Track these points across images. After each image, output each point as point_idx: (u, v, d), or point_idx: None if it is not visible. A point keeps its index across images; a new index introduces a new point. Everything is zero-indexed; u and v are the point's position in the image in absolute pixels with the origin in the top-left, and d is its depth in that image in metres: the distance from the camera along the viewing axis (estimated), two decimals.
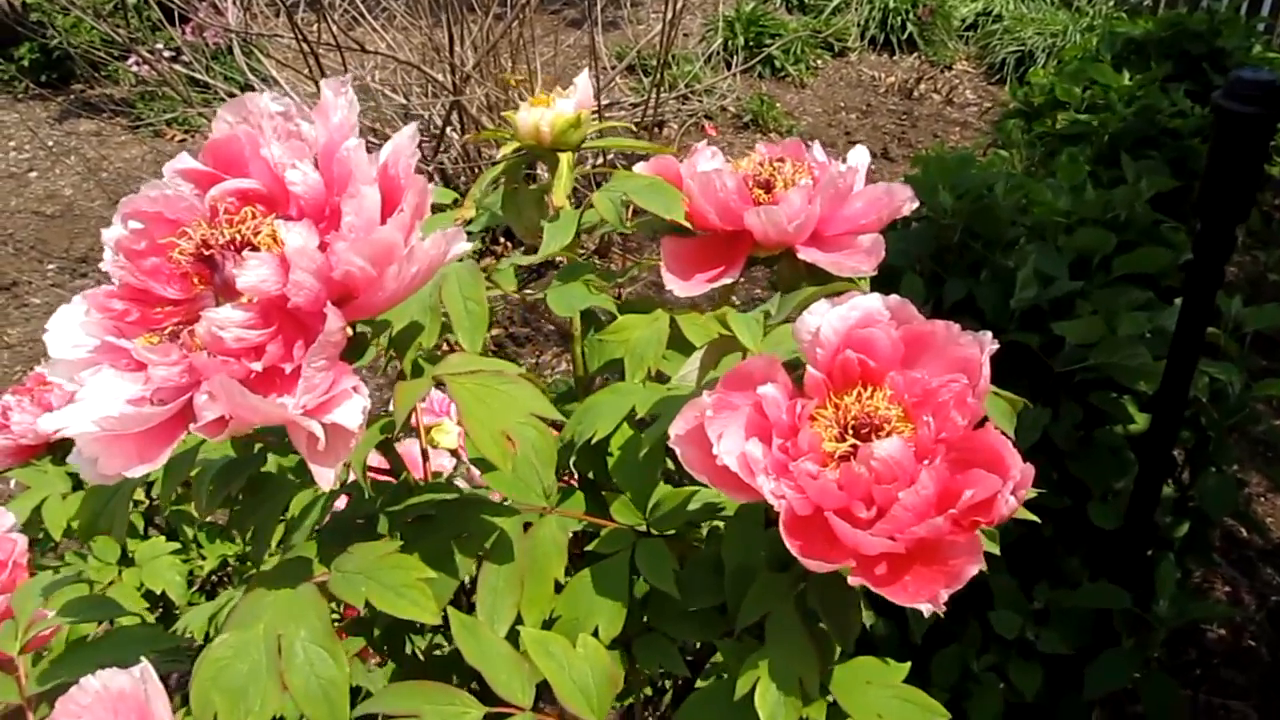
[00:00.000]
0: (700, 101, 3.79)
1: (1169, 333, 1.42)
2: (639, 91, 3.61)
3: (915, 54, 4.73)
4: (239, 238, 0.59)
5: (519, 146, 0.84)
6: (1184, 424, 1.45)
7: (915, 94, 4.37)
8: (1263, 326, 1.51)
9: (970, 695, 1.43)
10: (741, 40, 4.37)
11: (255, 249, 0.58)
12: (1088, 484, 1.45)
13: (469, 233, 0.85)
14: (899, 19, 4.73)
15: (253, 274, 0.55)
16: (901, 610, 1.43)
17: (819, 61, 4.64)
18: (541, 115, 0.82)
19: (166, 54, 3.85)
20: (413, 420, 0.95)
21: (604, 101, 2.73)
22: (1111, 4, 4.36)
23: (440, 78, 2.83)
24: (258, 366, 0.56)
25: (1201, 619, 1.72)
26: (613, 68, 3.37)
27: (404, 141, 0.61)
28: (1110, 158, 1.92)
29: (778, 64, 4.46)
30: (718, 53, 4.20)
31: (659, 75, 2.70)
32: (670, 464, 0.86)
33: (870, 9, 4.73)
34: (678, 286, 0.85)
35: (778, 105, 4.12)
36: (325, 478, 0.57)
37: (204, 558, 1.60)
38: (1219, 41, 2.13)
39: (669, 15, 2.57)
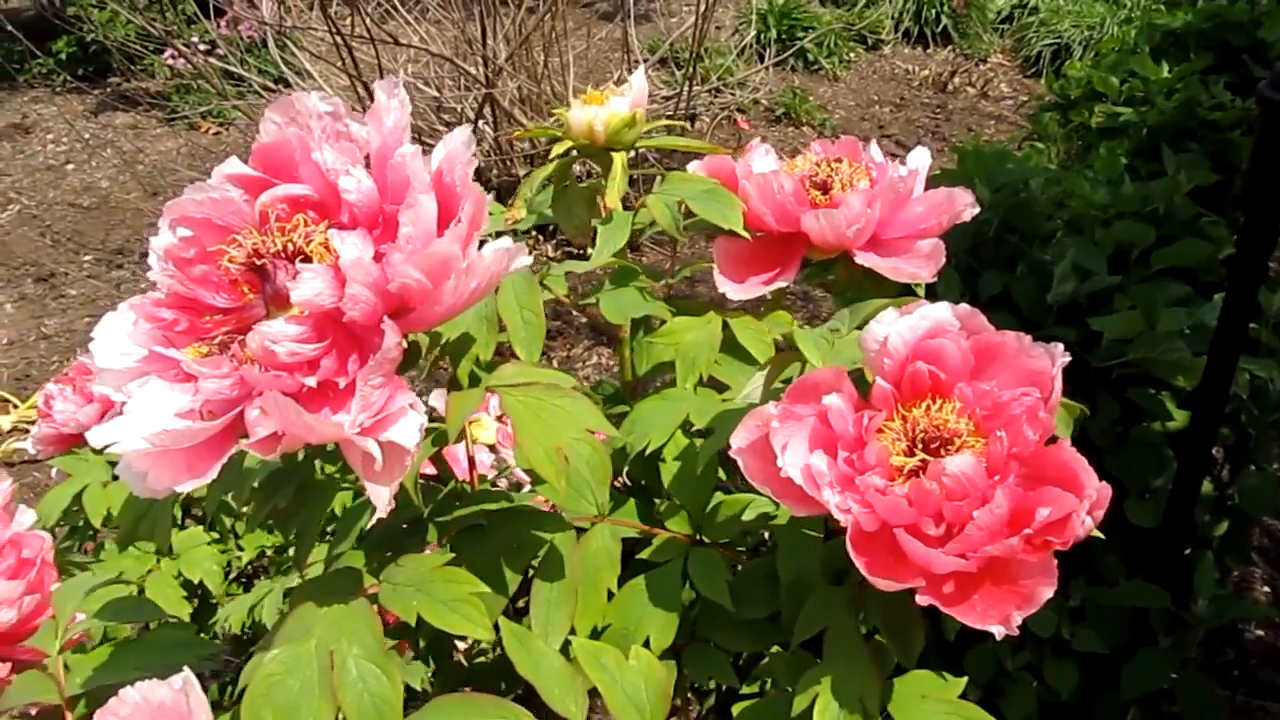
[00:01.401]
0: (732, 94, 3.74)
1: (1208, 328, 1.38)
2: (671, 84, 3.56)
3: (949, 47, 4.66)
4: (291, 246, 0.55)
5: (571, 145, 0.81)
6: (1224, 421, 1.41)
7: (949, 87, 4.30)
8: None
9: (1004, 693, 1.39)
10: (774, 33, 4.32)
11: (307, 258, 0.55)
12: (1125, 481, 1.41)
13: (515, 232, 0.82)
14: (933, 11, 4.65)
15: (307, 287, 0.52)
16: (934, 608, 1.40)
17: (852, 54, 4.57)
18: (595, 114, 0.79)
19: (202, 47, 3.83)
20: (465, 432, 0.92)
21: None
22: None
23: (473, 70, 2.80)
24: (311, 381, 0.53)
25: (1240, 619, 1.68)
26: (645, 60, 3.33)
27: (458, 147, 0.58)
28: (1149, 151, 1.87)
29: (810, 57, 4.40)
30: (750, 45, 4.15)
31: (691, 68, 2.66)
32: (722, 473, 0.83)
33: (904, 1, 4.66)
34: (731, 289, 0.82)
35: (810, 99, 4.07)
36: (381, 497, 0.54)
37: (241, 549, 1.58)
38: (1260, 33, 2.07)
39: (702, 8, 2.53)
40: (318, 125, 0.60)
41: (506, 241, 0.55)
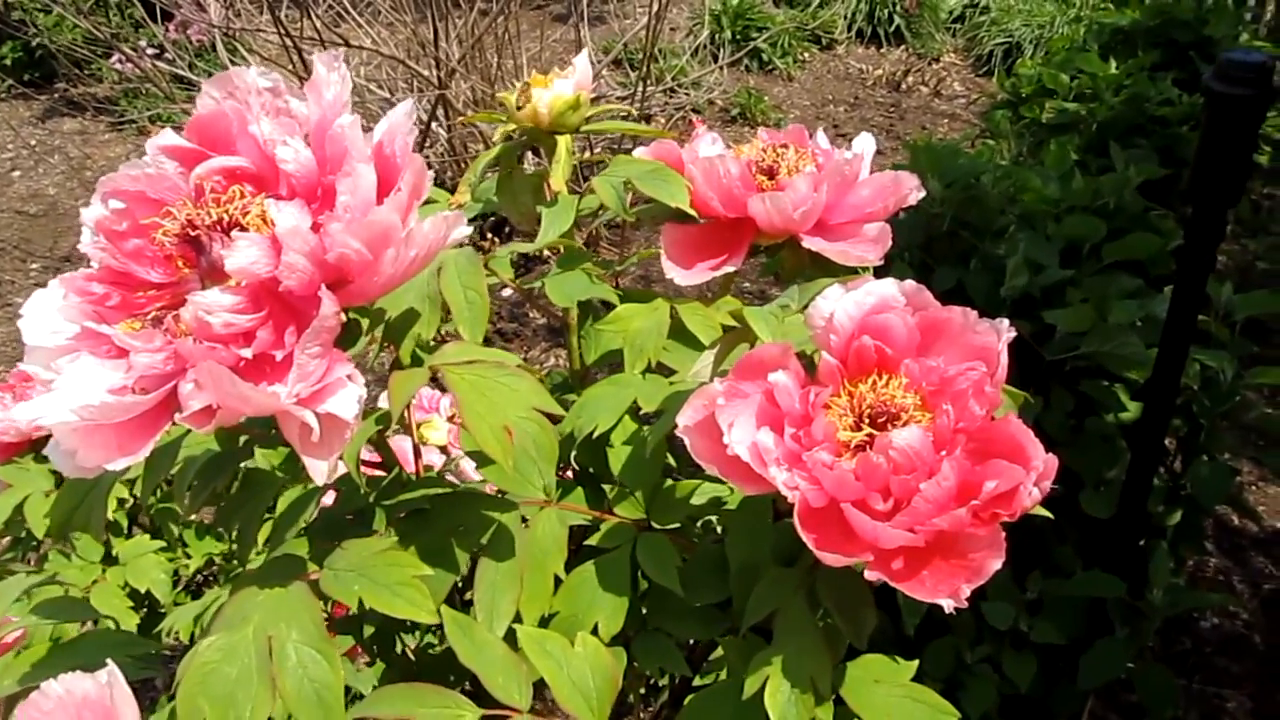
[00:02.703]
0: (687, 95, 3.75)
1: (1160, 320, 1.40)
2: (626, 85, 3.56)
3: (902, 46, 4.69)
4: (226, 218, 0.55)
5: (515, 129, 0.80)
6: (1176, 412, 1.42)
7: (903, 86, 4.33)
8: (1253, 313, 1.48)
9: (964, 686, 1.40)
10: (728, 33, 4.32)
11: (244, 230, 0.54)
12: (1080, 473, 1.42)
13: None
14: (886, 11, 4.68)
15: (242, 255, 0.51)
16: (892, 601, 1.40)
17: (806, 54, 4.59)
18: (539, 96, 0.78)
19: (150, 51, 3.79)
20: (409, 419, 0.91)
21: (590, 96, 2.70)
22: None
23: (425, 73, 2.78)
24: (247, 353, 0.52)
25: (1195, 608, 1.70)
26: (599, 62, 3.33)
27: (399, 118, 0.57)
28: (1098, 146, 1.90)
29: (765, 57, 4.41)
30: (704, 46, 4.15)
31: (645, 69, 2.66)
32: (671, 459, 0.83)
33: (857, 1, 4.68)
34: (679, 275, 0.82)
35: (765, 99, 4.08)
36: (319, 471, 0.53)
37: (189, 556, 1.56)
38: (1206, 30, 2.11)
39: (655, 8, 2.54)
40: (256, 100, 0.59)
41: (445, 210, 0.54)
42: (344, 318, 0.56)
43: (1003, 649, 1.40)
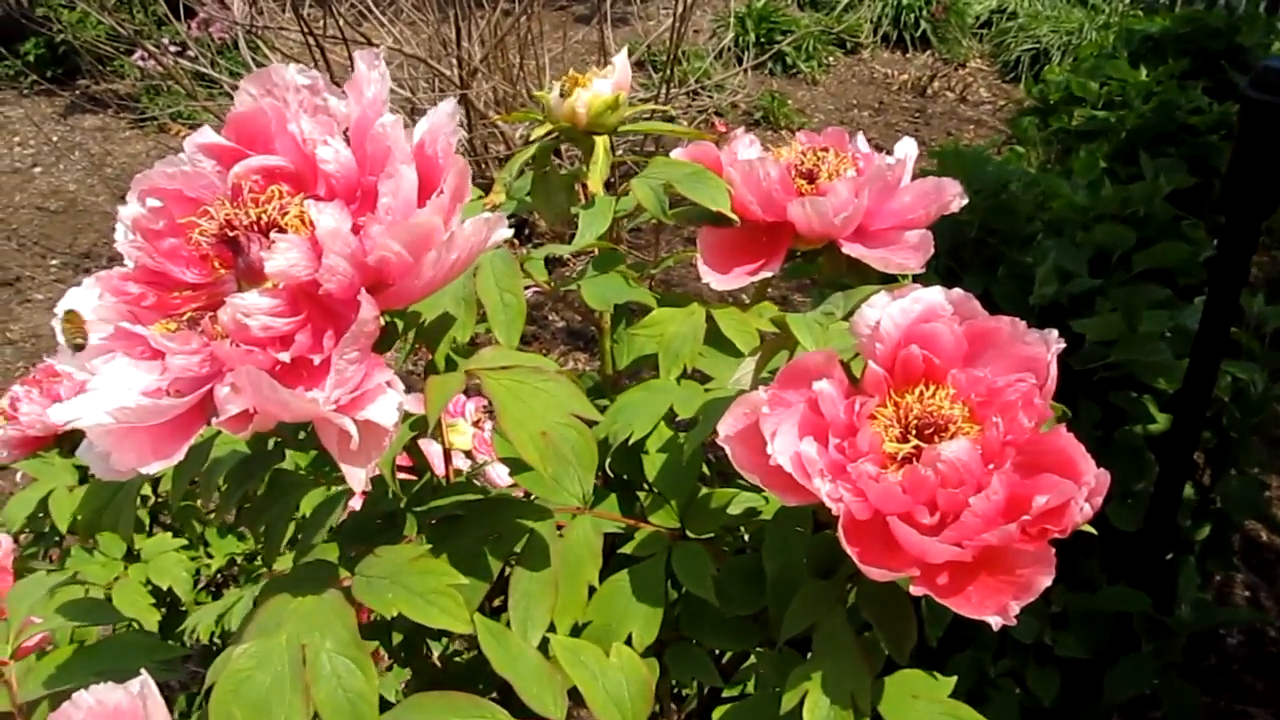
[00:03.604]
0: (710, 98, 3.73)
1: (1189, 331, 1.38)
2: (648, 87, 3.55)
3: (929, 51, 4.66)
4: (265, 218, 0.54)
5: (551, 129, 0.79)
6: (1206, 424, 1.41)
7: (928, 92, 4.31)
8: None
9: (987, 700, 1.38)
10: (752, 36, 4.30)
11: (282, 231, 0.53)
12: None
13: None
14: (912, 16, 4.65)
15: (282, 258, 0.50)
16: (916, 613, 1.39)
17: (831, 58, 4.57)
18: (578, 96, 0.77)
19: (172, 49, 3.79)
20: (442, 427, 0.90)
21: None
22: (1128, 1, 4.30)
23: (447, 72, 2.78)
24: (285, 357, 0.51)
25: (1222, 623, 1.68)
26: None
27: (442, 118, 0.56)
28: (1127, 154, 1.88)
29: (789, 61, 4.39)
30: (728, 49, 4.14)
31: (669, 71, 2.65)
32: (705, 468, 0.81)
33: (883, 6, 4.66)
34: (715, 280, 0.80)
35: (789, 102, 4.06)
36: (357, 478, 0.52)
37: (211, 555, 1.55)
38: (1238, 38, 2.09)
39: (679, 10, 2.52)
40: (295, 98, 0.58)
41: (478, 213, 0.53)
42: (382, 321, 0.54)
43: (1026, 663, 1.38)
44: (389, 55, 3.11)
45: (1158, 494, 1.38)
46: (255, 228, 0.54)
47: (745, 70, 3.85)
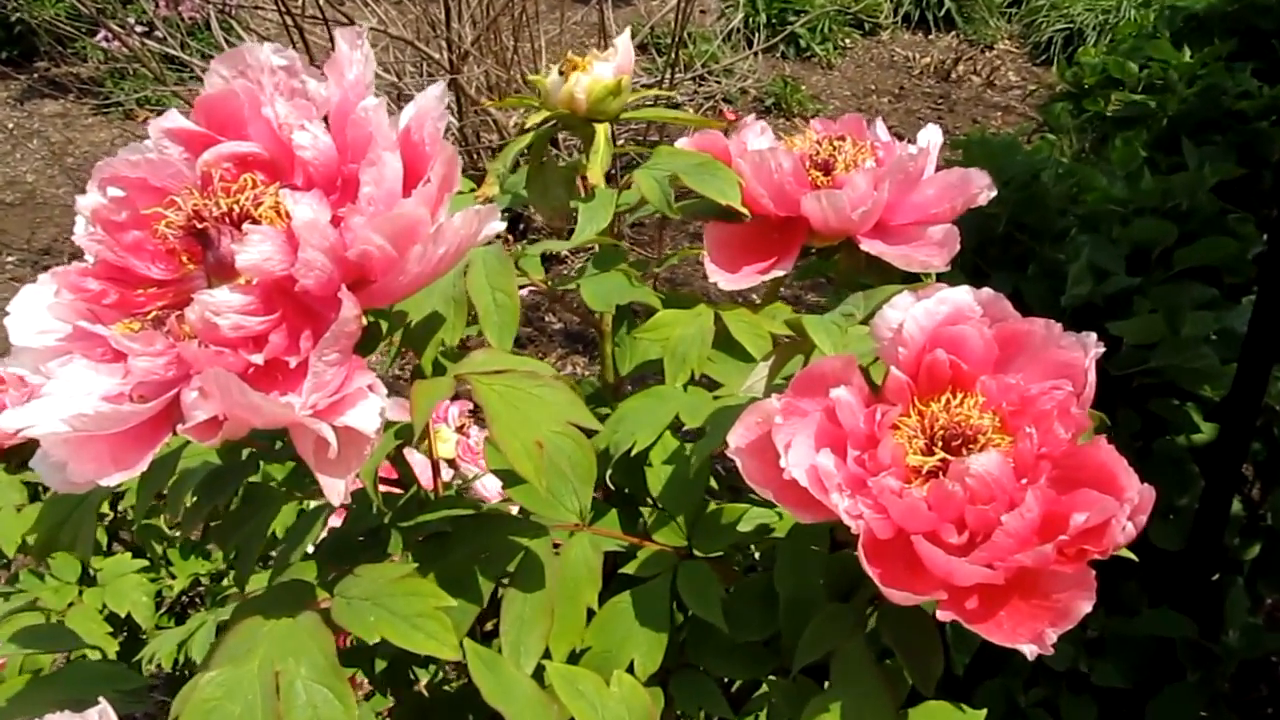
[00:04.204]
0: (718, 83, 3.74)
1: (1237, 334, 1.38)
2: (652, 72, 3.56)
3: (953, 33, 4.66)
4: (237, 209, 0.53)
5: (548, 116, 0.79)
6: (1255, 434, 1.40)
7: (953, 76, 4.31)
8: None
9: None
10: (763, 17, 4.30)
11: (256, 222, 0.53)
12: None
13: None
14: None
15: (255, 251, 0.50)
16: (942, 638, 1.39)
17: (848, 40, 4.57)
18: (577, 80, 0.77)
19: (139, 29, 3.79)
20: (428, 436, 0.90)
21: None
22: None
23: (436, 55, 2.78)
24: (258, 359, 0.51)
25: (1275, 651, 1.67)
26: None
27: (430, 102, 0.56)
28: (1169, 142, 1.88)
29: (803, 43, 4.40)
30: (737, 30, 4.14)
31: (674, 54, 2.65)
32: (713, 482, 0.81)
33: None
34: (723, 279, 0.80)
35: (802, 88, 4.07)
36: (336, 490, 0.52)
37: (174, 576, 1.55)
38: None
39: None
40: (270, 80, 0.58)
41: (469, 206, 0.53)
42: (365, 321, 0.54)
43: (1060, 692, 1.38)
44: (373, 37, 3.11)
45: (1203, 510, 1.37)
46: (226, 219, 0.53)
47: (755, 53, 3.86)
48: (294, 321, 0.52)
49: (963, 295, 0.61)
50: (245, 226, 0.52)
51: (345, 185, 0.55)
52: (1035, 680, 1.39)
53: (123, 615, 1.41)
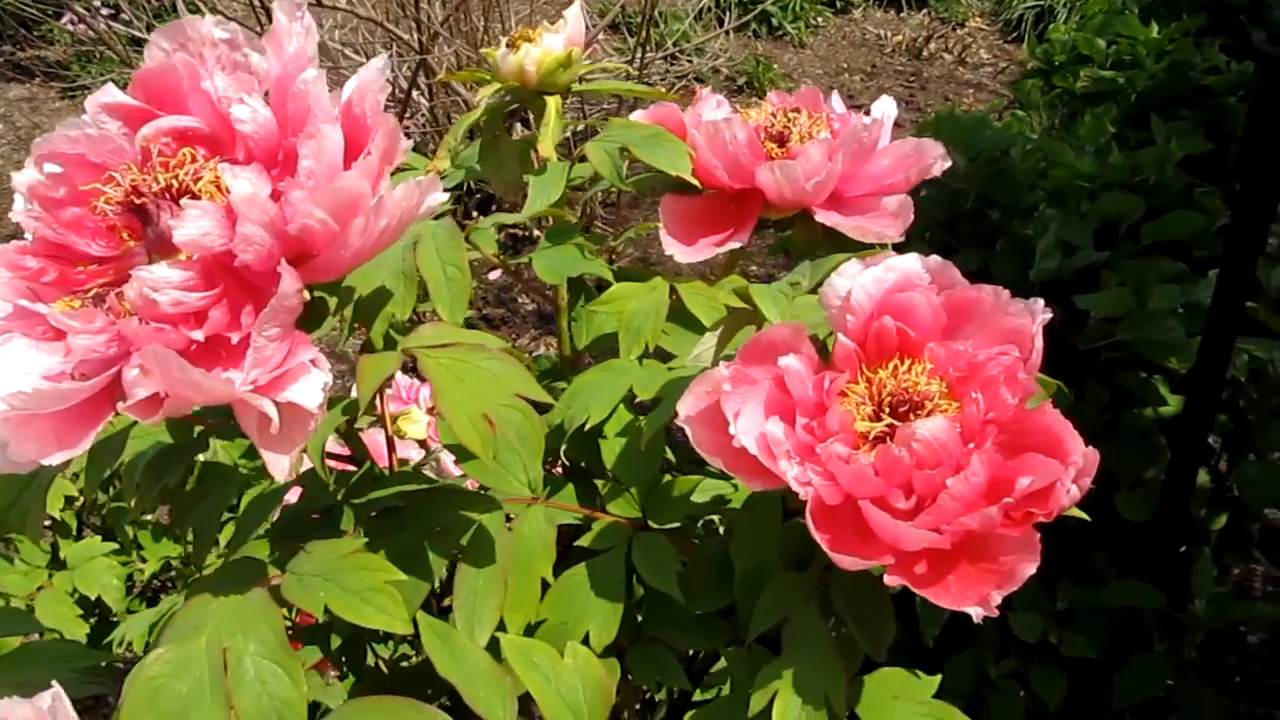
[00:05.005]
0: (690, 62, 3.73)
1: (1203, 307, 1.38)
2: (623, 52, 3.55)
3: (924, 10, 4.66)
4: (176, 184, 0.53)
5: (500, 88, 0.79)
6: (1221, 406, 1.41)
7: (924, 54, 4.31)
8: None
9: (988, 704, 1.39)
10: None
11: (195, 198, 0.53)
12: (1115, 473, 1.41)
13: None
14: None
15: (193, 226, 0.50)
16: (910, 610, 1.40)
17: (819, 19, 4.57)
18: (527, 53, 0.77)
19: (105, 11, 3.75)
20: (377, 407, 0.90)
21: (602, 69, 2.68)
22: None
23: (406, 36, 2.77)
24: (199, 335, 0.51)
25: (1241, 620, 1.68)
26: (594, 25, 3.31)
27: (371, 75, 0.56)
28: (1138, 118, 1.89)
29: (774, 22, 4.39)
30: (709, 9, 4.13)
31: (645, 33, 2.64)
32: (670, 454, 0.81)
33: None
34: (679, 251, 0.80)
35: (774, 67, 4.06)
36: (280, 466, 0.52)
37: (144, 560, 1.55)
38: None
39: None
40: (211, 54, 0.58)
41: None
42: (308, 296, 0.54)
43: (1030, 664, 1.39)
44: (342, 18, 3.10)
45: (1170, 481, 1.38)
46: (166, 195, 0.53)
47: (727, 32, 3.85)
48: (235, 297, 0.52)
49: (910, 263, 0.61)
50: (184, 201, 0.51)
51: (287, 159, 0.55)
52: (1005, 652, 1.40)
53: (93, 599, 1.41)
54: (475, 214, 2.85)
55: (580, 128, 1.12)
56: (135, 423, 0.70)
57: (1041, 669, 1.38)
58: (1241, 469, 1.45)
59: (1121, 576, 1.42)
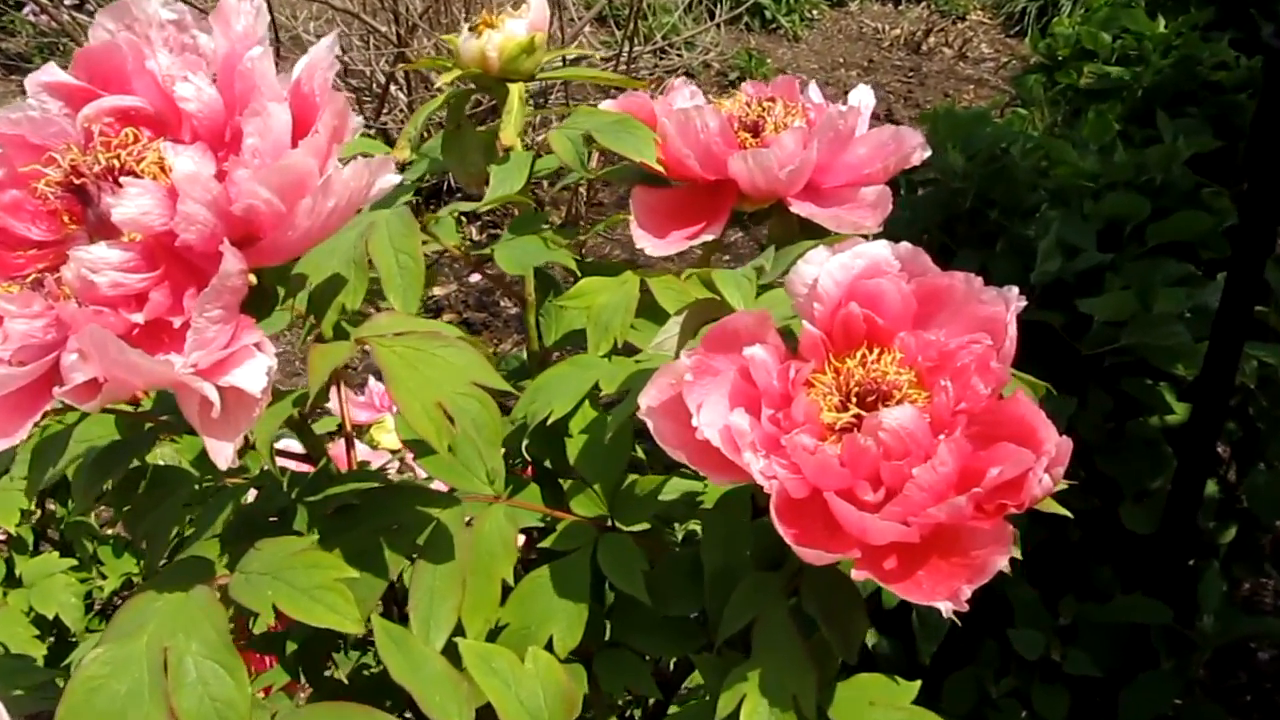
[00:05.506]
0: (679, 56, 3.75)
1: (1211, 310, 1.40)
2: (610, 45, 3.57)
3: (924, 3, 4.70)
4: (118, 165, 0.54)
5: (459, 76, 0.80)
6: (1229, 414, 1.42)
7: (924, 48, 4.34)
8: None
9: None
10: None
11: (138, 177, 0.54)
12: (1119, 483, 1.42)
13: (404, 184, 0.81)
14: None
15: (132, 204, 0.51)
16: (907, 628, 1.41)
17: (815, 11, 4.60)
18: (488, 38, 0.78)
19: (68, 2, 3.78)
20: (340, 410, 0.91)
21: (570, 57, 2.69)
22: None
23: (383, 28, 2.79)
24: (139, 319, 0.52)
25: (1251, 636, 1.69)
26: (579, 18, 3.33)
27: (320, 53, 0.57)
28: (1144, 115, 1.90)
29: (768, 14, 4.41)
30: (699, 1, 4.15)
31: (632, 25, 2.66)
32: (640, 451, 0.83)
33: None
34: (650, 245, 0.82)
35: (768, 61, 4.09)
36: (222, 454, 0.53)
37: (105, 576, 1.55)
38: None
39: None
40: (159, 35, 0.59)
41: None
42: (253, 279, 0.55)
43: (1032, 682, 1.40)
44: (317, 9, 3.12)
45: (1176, 492, 1.39)
46: (107, 175, 0.55)
47: (718, 25, 3.87)
48: (177, 279, 0.53)
49: (879, 249, 0.62)
50: (124, 181, 0.53)
51: (234, 139, 0.56)
52: (1006, 669, 1.41)
53: (51, 618, 1.42)
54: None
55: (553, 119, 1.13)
56: (81, 419, 0.72)
57: (1043, 687, 1.39)
58: (1251, 479, 1.46)
59: (1127, 591, 1.42)
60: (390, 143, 2.93)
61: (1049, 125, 2.17)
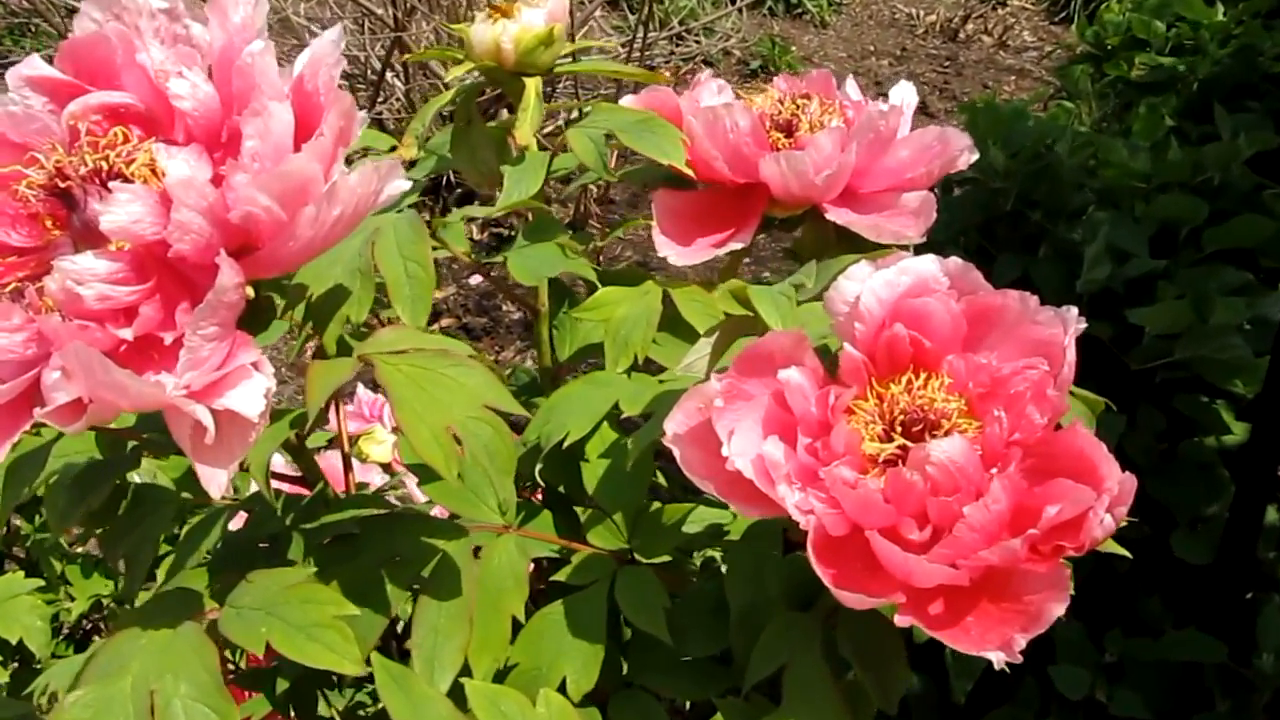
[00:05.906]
0: (697, 43, 3.75)
1: (1272, 322, 1.39)
2: (624, 30, 3.57)
3: None
4: (106, 167, 0.54)
5: (474, 69, 0.80)
6: None
7: (961, 36, 4.34)
8: None
9: None
10: None
11: (127, 181, 0.53)
12: (1172, 509, 1.41)
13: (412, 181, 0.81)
14: None
15: (122, 211, 0.51)
16: (940, 664, 1.40)
17: None
18: (503, 29, 0.78)
19: None
20: (336, 424, 0.91)
21: (581, 46, 2.70)
22: None
23: (379, 11, 2.79)
24: (127, 334, 0.52)
25: None
26: (590, 1, 3.34)
27: (325, 48, 0.57)
28: (1200, 110, 1.89)
29: None
30: None
31: (647, 10, 2.66)
32: (661, 478, 0.82)
33: None
34: (674, 253, 0.81)
35: (793, 49, 4.09)
36: (215, 481, 0.53)
37: (73, 598, 1.55)
38: None
39: None
40: (149, 25, 0.59)
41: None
42: (251, 293, 0.55)
43: None
44: None
45: (1234, 519, 1.39)
46: (94, 178, 0.54)
47: (740, 10, 3.87)
48: (170, 292, 0.53)
49: (927, 265, 0.62)
50: (113, 185, 0.52)
51: (231, 140, 0.56)
52: (1047, 710, 1.40)
53: (14, 642, 1.41)
54: (453, 208, 2.87)
55: (574, 115, 1.12)
56: (57, 438, 0.71)
57: None
58: None
59: (1179, 626, 1.41)
60: (385, 133, 2.94)
61: (1097, 120, 2.16)
